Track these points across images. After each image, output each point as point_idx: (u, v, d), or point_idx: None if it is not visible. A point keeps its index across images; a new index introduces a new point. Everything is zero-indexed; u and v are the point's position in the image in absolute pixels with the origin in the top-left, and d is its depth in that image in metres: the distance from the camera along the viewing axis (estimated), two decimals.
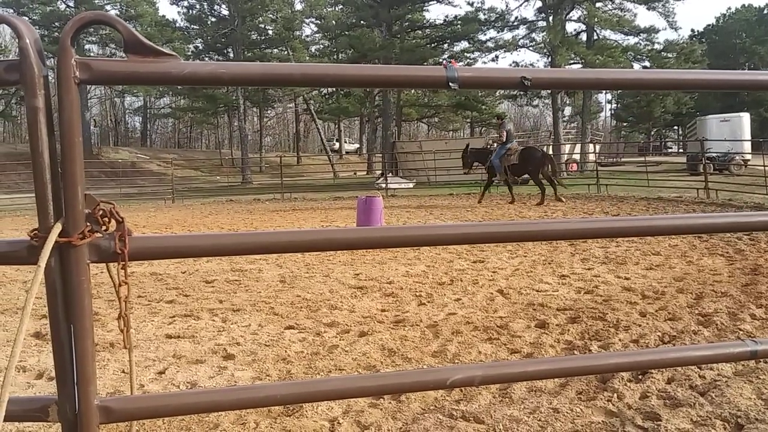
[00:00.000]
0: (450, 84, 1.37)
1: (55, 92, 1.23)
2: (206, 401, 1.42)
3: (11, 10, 40.95)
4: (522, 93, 45.96)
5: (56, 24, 43.40)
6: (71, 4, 45.27)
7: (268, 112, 60.96)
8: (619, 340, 4.66)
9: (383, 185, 27.29)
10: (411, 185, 30.49)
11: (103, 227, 1.27)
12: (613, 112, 61.07)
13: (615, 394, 3.61)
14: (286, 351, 4.63)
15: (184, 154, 51.19)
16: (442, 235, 1.59)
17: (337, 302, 6.03)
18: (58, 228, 1.22)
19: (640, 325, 4.96)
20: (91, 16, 1.28)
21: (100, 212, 1.26)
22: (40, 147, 1.19)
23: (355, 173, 47.02)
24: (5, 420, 1.22)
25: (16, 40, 1.18)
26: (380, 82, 1.39)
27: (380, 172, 35.33)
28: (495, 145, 17.96)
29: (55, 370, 1.30)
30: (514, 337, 4.83)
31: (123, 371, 4.26)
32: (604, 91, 60.50)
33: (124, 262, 1.28)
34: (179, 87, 48.51)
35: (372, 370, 4.27)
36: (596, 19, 35.78)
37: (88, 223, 1.26)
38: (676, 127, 57.59)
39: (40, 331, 5.08)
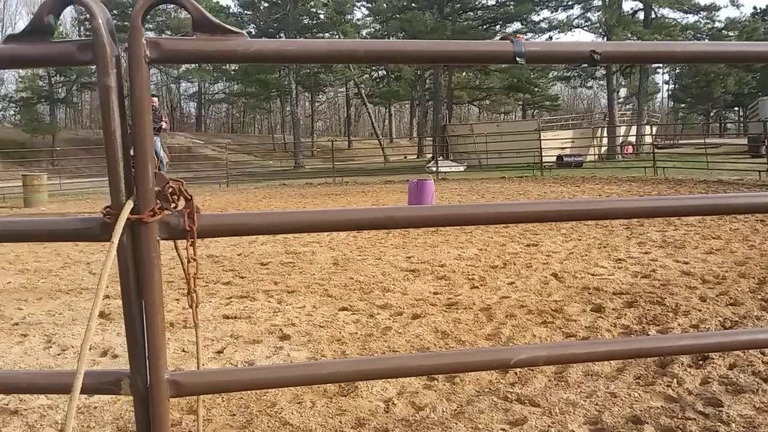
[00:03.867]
0: (517, 59, 1.34)
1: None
2: (272, 377, 1.45)
3: None
4: (576, 74, 44.95)
5: (114, 12, 44.42)
6: None
7: (320, 96, 61.31)
8: (678, 324, 4.56)
9: (434, 169, 27.17)
10: (462, 168, 30.28)
11: (173, 205, 1.30)
12: (670, 93, 59.34)
13: (675, 380, 3.53)
14: (340, 332, 4.68)
15: (238, 139, 51.96)
16: (498, 213, 1.57)
17: (389, 285, 6.05)
18: (129, 205, 1.25)
19: (700, 310, 4.84)
20: None
21: (170, 190, 1.29)
22: (113, 126, 1.22)
23: (405, 157, 46.97)
24: (81, 392, 1.27)
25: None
26: (444, 57, 1.38)
27: (431, 155, 35.16)
28: None
29: (128, 343, 1.34)
30: (569, 321, 4.77)
31: (183, 350, 4.37)
32: (661, 72, 58.81)
33: (192, 239, 1.31)
34: (233, 72, 49.21)
35: (425, 351, 4.28)
36: None
37: (158, 201, 1.29)
38: (737, 108, 55.52)
39: (103, 310, 5.25)
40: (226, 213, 1.43)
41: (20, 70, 46.96)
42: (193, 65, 54.73)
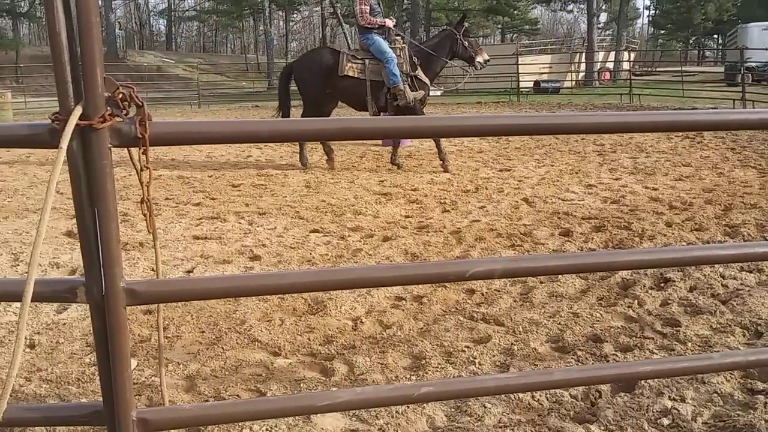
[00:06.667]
0: None
1: None
2: (230, 286, 1.44)
3: None
4: None
5: None
6: None
7: (294, 15, 59.55)
8: (644, 249, 4.65)
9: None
10: (438, 93, 29.95)
11: (123, 111, 1.26)
12: (650, 18, 58.65)
13: (636, 301, 3.63)
14: (310, 253, 4.70)
15: (210, 59, 50.58)
16: (468, 126, 1.55)
17: (361, 208, 6.06)
18: (78, 111, 1.21)
19: (665, 235, 4.93)
20: None
21: (120, 96, 1.24)
22: (57, 27, 1.16)
23: None
24: (35, 300, 1.26)
25: None
26: None
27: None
28: None
29: (82, 253, 1.32)
30: (537, 245, 4.84)
31: (152, 269, 4.37)
32: None
33: (145, 147, 1.27)
34: None
35: None
36: None
37: (108, 107, 1.24)
38: (716, 36, 55.20)
39: (71, 230, 5.20)
40: (179, 120, 1.40)
41: None
42: None
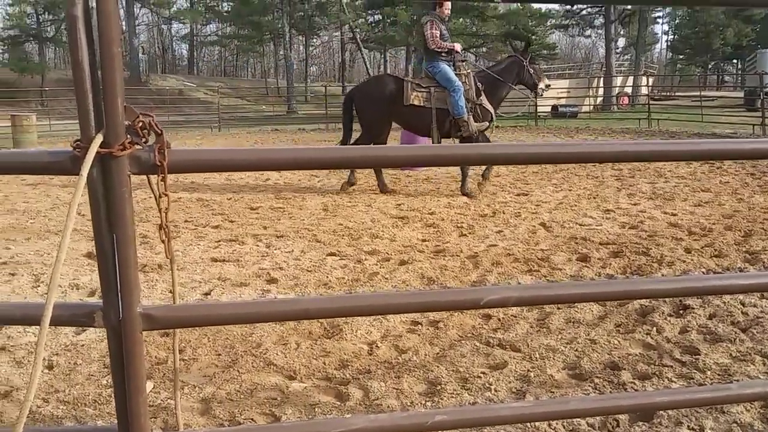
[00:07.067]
0: None
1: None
2: (246, 312, 1.45)
3: None
4: (574, 23, 44.27)
5: None
6: None
7: (314, 40, 60.21)
8: (662, 275, 4.60)
9: None
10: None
11: (143, 139, 1.29)
12: (669, 43, 58.58)
13: (654, 328, 3.59)
14: (327, 277, 4.71)
15: (230, 83, 51.23)
16: (495, 154, 1.56)
17: (378, 231, 6.07)
18: (99, 139, 1.23)
19: (684, 261, 4.88)
20: None
21: (140, 124, 1.27)
22: (80, 56, 1.20)
23: None
24: (53, 323, 1.28)
25: None
26: None
27: None
28: None
29: (100, 277, 1.34)
30: (554, 270, 4.81)
31: (170, 291, 4.40)
32: (661, 22, 57.97)
33: (163, 174, 1.30)
34: (225, 13, 48.16)
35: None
36: None
37: (128, 135, 1.27)
38: (735, 61, 54.95)
39: (91, 251, 5.26)
40: (196, 148, 1.42)
41: (8, 8, 45.92)
42: (185, 5, 53.59)
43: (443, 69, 7.93)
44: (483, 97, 8.05)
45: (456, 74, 7.96)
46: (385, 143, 8.30)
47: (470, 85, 7.98)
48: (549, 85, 8.62)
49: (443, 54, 7.97)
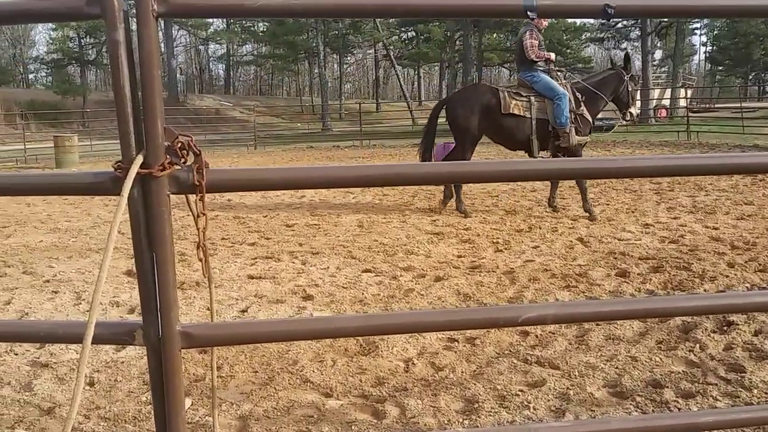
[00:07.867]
0: (528, 13, 1.31)
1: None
2: (282, 330, 1.46)
3: None
4: (610, 36, 43.90)
5: None
6: None
7: (348, 58, 60.81)
8: (704, 290, 4.50)
9: None
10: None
11: (182, 159, 1.31)
12: (707, 55, 57.71)
13: (697, 345, 3.50)
14: (362, 293, 4.71)
15: (266, 102, 51.98)
16: (518, 170, 1.55)
17: (413, 247, 6.06)
18: (139, 160, 1.26)
19: (727, 276, 4.77)
20: None
21: (179, 145, 1.30)
22: (122, 80, 1.23)
23: None
24: (94, 342, 1.30)
25: None
26: (452, 11, 1.34)
27: None
28: None
29: (140, 296, 1.37)
30: (593, 286, 4.74)
31: (207, 308, 4.44)
32: (699, 33, 57.12)
33: (201, 194, 1.32)
34: (261, 33, 48.98)
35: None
36: None
37: (168, 156, 1.30)
38: None
39: (131, 269, 5.35)
40: (234, 168, 1.44)
41: (51, 32, 47.37)
42: (222, 26, 54.60)
43: (543, 78, 7.70)
44: (583, 107, 7.75)
45: None
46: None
47: (570, 95, 7.72)
48: (639, 114, 8.16)
49: (540, 63, 7.77)
